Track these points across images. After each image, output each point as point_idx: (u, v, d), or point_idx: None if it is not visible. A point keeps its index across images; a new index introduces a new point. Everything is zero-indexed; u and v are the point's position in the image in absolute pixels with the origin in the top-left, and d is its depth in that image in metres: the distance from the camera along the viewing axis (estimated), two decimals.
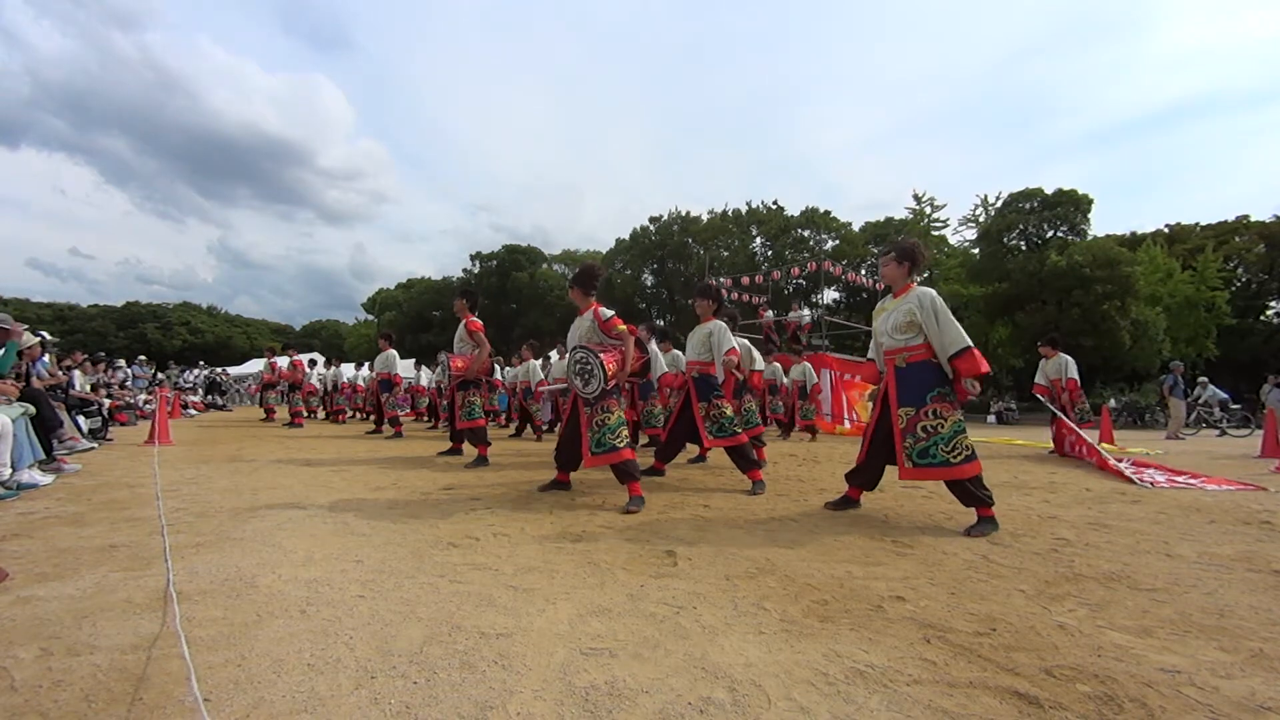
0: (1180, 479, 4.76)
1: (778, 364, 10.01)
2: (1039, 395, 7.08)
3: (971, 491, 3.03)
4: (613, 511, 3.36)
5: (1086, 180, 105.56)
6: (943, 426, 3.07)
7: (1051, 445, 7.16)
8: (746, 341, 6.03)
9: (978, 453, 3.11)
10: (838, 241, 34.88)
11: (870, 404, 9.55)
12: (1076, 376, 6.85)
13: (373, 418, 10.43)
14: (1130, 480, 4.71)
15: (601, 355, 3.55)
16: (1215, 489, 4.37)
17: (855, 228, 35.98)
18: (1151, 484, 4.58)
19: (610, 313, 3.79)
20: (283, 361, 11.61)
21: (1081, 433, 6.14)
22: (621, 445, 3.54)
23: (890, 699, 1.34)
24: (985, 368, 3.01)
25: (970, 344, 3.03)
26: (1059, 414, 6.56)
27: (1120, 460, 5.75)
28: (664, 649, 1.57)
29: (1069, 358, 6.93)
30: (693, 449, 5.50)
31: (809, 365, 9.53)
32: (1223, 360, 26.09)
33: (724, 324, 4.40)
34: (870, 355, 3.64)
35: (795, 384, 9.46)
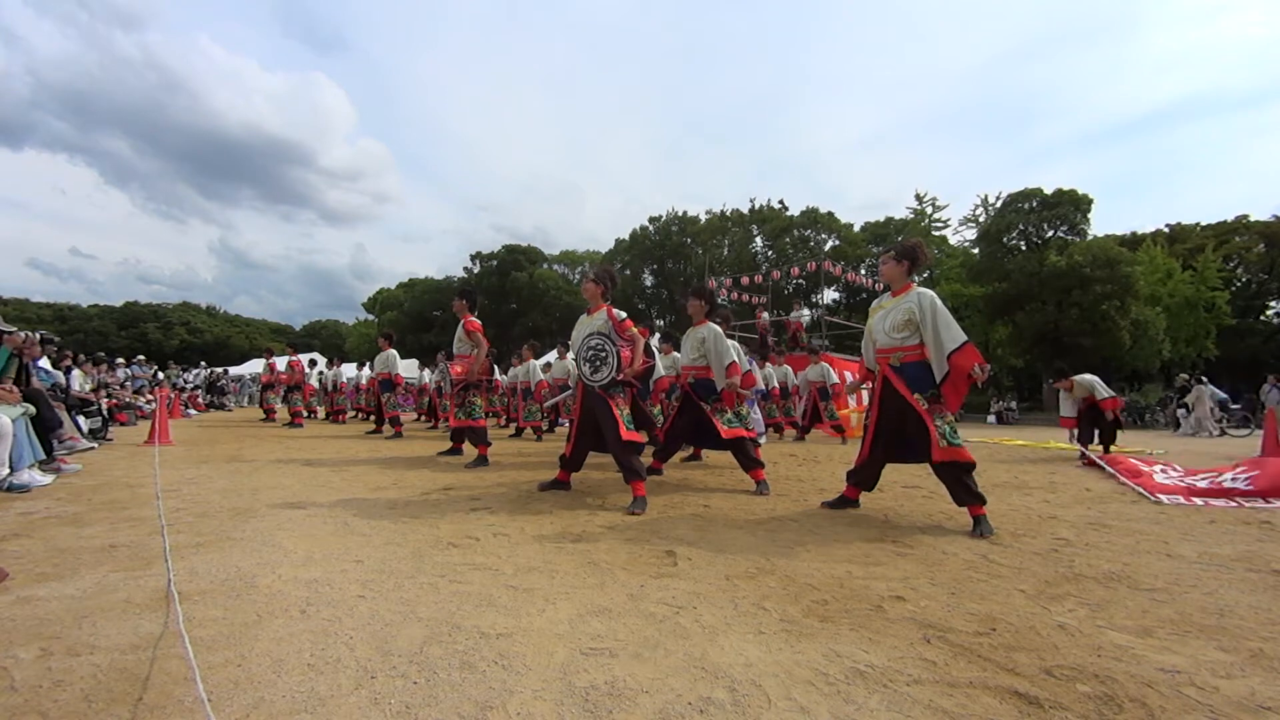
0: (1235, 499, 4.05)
1: (787, 366, 9.94)
2: (1065, 428, 6.84)
3: (968, 487, 3.04)
4: (613, 512, 3.36)
5: (1086, 180, 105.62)
6: (948, 417, 3.13)
7: (1079, 450, 6.70)
8: (734, 343, 6.01)
9: (978, 454, 3.11)
10: (838, 242, 34.90)
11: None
12: (1109, 393, 6.50)
13: (372, 418, 10.43)
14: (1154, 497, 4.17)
15: (620, 347, 3.63)
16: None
17: (855, 228, 36.01)
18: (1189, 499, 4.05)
19: (624, 314, 3.85)
20: (281, 363, 11.59)
21: (1097, 458, 5.90)
22: (635, 430, 3.71)
23: (890, 699, 1.34)
24: (981, 358, 3.03)
25: (967, 338, 3.07)
26: (1085, 452, 6.29)
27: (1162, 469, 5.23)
28: (664, 649, 1.57)
29: (1092, 377, 6.61)
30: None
31: (828, 365, 9.26)
32: (1223, 360, 26.10)
33: (718, 328, 4.38)
34: (862, 352, 3.65)
35: (814, 385, 9.22)
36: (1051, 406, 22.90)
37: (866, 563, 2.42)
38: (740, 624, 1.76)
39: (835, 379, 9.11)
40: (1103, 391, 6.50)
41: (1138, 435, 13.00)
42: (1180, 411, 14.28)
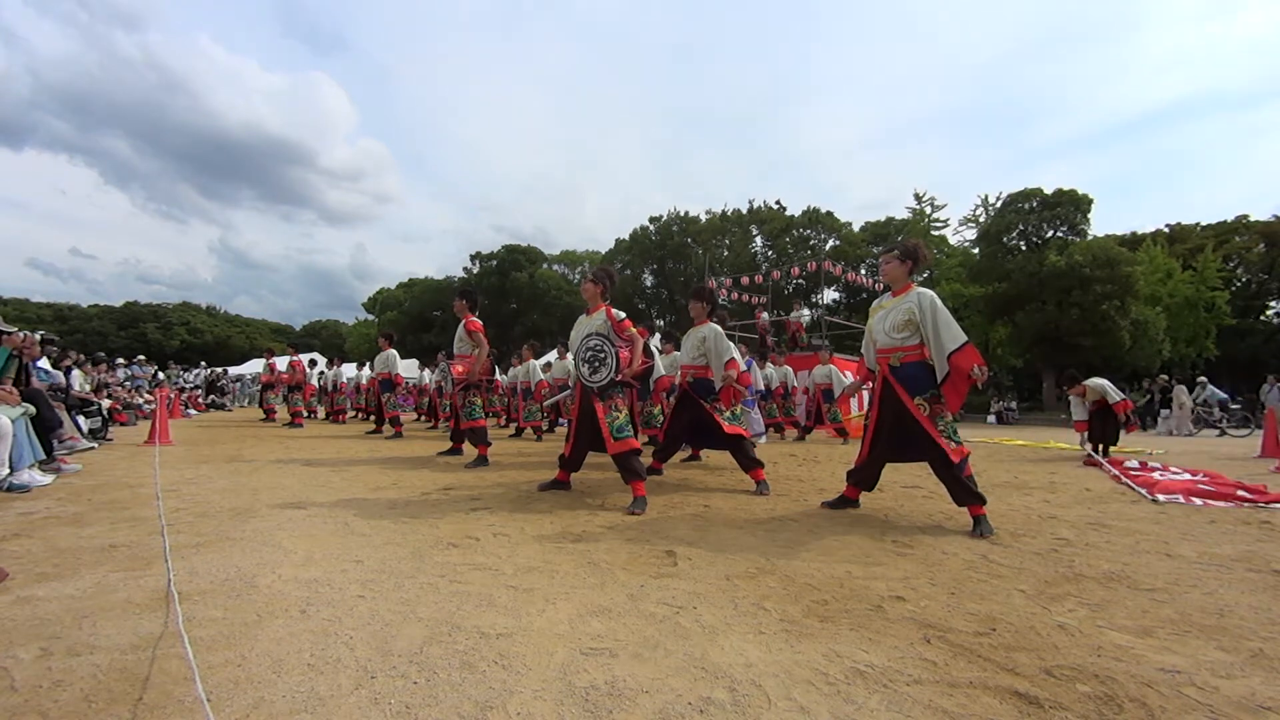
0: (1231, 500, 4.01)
1: (788, 366, 9.92)
2: (1079, 432, 6.87)
3: (968, 487, 3.04)
4: (613, 512, 3.36)
5: (1086, 180, 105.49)
6: (947, 416, 3.14)
7: (1085, 450, 6.77)
8: (730, 343, 6.01)
9: (977, 453, 3.10)
10: (838, 242, 34.91)
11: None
12: (1121, 396, 6.55)
13: (373, 418, 10.43)
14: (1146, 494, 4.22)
15: (618, 347, 3.63)
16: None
17: (855, 228, 36.02)
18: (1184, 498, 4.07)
19: (623, 315, 3.84)
20: (281, 363, 11.59)
21: (1103, 461, 5.98)
22: (630, 436, 3.65)
23: (890, 699, 1.34)
24: (981, 359, 3.04)
25: (967, 339, 3.07)
26: (1093, 454, 6.39)
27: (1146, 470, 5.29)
28: (664, 649, 1.57)
29: (1103, 381, 6.64)
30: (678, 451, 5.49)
31: (834, 368, 9.22)
32: (1223, 360, 26.10)
33: (719, 328, 4.37)
34: (862, 352, 3.65)
35: (819, 386, 9.18)
36: (1051, 406, 22.93)
37: (866, 563, 2.42)
38: (740, 624, 1.76)
39: (844, 380, 9.10)
40: (1114, 395, 6.55)
41: (1138, 436, 12.99)
42: (1164, 411, 14.34)
